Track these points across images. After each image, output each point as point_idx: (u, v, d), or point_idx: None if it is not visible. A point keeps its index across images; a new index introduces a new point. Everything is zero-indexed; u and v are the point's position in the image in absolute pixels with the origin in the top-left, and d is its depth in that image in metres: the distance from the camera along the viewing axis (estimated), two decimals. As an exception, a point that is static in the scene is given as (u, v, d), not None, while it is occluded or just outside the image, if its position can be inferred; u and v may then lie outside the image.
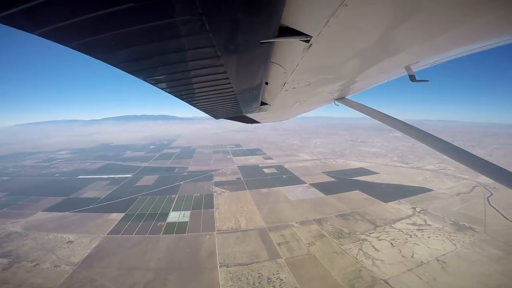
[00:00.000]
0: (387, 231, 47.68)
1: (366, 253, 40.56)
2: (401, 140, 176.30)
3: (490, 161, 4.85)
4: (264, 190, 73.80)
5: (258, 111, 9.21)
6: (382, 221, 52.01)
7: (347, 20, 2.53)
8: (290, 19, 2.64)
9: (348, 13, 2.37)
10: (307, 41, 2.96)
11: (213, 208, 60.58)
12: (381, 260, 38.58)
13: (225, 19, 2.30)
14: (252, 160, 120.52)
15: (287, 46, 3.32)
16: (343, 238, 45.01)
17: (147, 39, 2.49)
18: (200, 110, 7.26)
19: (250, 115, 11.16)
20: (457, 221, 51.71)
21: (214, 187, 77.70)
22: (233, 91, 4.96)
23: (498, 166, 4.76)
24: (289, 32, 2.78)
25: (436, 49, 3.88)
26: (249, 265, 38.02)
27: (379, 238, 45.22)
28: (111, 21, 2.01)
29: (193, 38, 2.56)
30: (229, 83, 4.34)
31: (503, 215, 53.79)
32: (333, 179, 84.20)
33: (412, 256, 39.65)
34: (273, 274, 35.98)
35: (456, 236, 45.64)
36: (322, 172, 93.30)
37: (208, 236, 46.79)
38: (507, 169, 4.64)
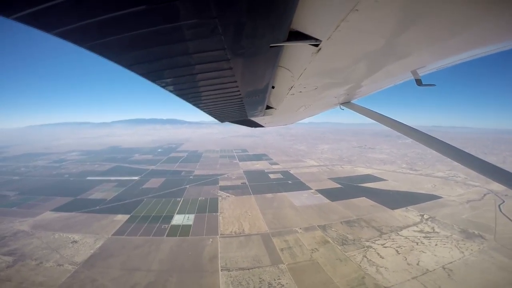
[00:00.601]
0: (393, 239, 46.54)
1: (371, 260, 39.63)
2: (410, 146, 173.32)
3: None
4: (269, 195, 73.38)
5: (263, 115, 9.21)
6: (388, 228, 50.84)
7: (357, 25, 2.54)
8: (300, 23, 2.65)
9: (358, 18, 2.39)
10: (316, 45, 2.97)
11: (217, 212, 60.53)
12: (386, 268, 37.62)
13: (238, 22, 2.35)
14: (258, 165, 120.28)
15: (296, 50, 3.31)
16: (347, 245, 44.12)
17: (159, 41, 2.54)
18: (207, 113, 7.30)
19: (255, 119, 11.18)
20: (466, 228, 50.21)
21: (219, 191, 77.76)
22: (240, 94, 4.98)
23: (511, 172, 4.63)
24: (298, 36, 2.79)
25: (444, 53, 3.91)
26: (251, 270, 37.67)
27: (385, 245, 44.15)
28: (125, 23, 2.06)
29: (204, 41, 2.60)
30: (237, 86, 4.36)
31: None
32: (339, 186, 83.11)
33: (417, 264, 38.58)
34: (274, 280, 35.52)
35: (464, 244, 44.27)
36: (329, 178, 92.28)
37: (211, 240, 46.68)
38: None
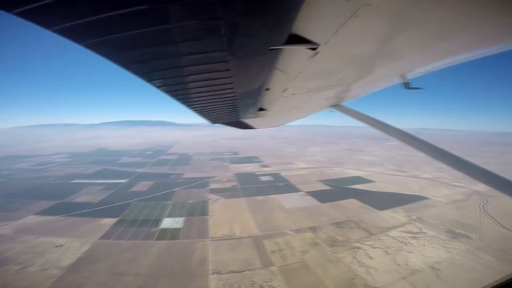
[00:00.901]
0: (381, 239, 47.25)
1: (360, 261, 40.08)
2: (398, 149, 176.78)
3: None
4: (260, 197, 73.32)
5: (255, 117, 9.25)
6: (376, 229, 51.61)
7: (355, 30, 2.65)
8: (300, 27, 2.70)
9: (357, 24, 2.49)
10: (314, 49, 3.03)
11: (207, 215, 59.99)
12: (375, 268, 38.11)
13: (241, 25, 2.39)
14: (249, 167, 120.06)
15: (293, 53, 3.36)
16: (337, 246, 44.53)
17: (160, 41, 2.54)
18: (200, 114, 7.25)
19: (246, 121, 11.22)
20: (453, 228, 51.49)
21: (209, 194, 77.11)
22: (234, 95, 5.00)
23: (494, 173, 4.88)
24: (297, 39, 2.84)
25: (432, 58, 4.14)
26: (242, 273, 37.45)
27: (374, 246, 44.76)
28: (129, 22, 2.06)
29: (205, 42, 2.62)
30: (232, 87, 4.38)
31: (498, 222, 53.78)
32: (329, 187, 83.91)
33: (406, 264, 39.26)
34: (266, 282, 35.46)
35: (451, 244, 45.35)
36: (318, 181, 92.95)
37: (201, 243, 46.19)
38: (504, 177, 4.80)
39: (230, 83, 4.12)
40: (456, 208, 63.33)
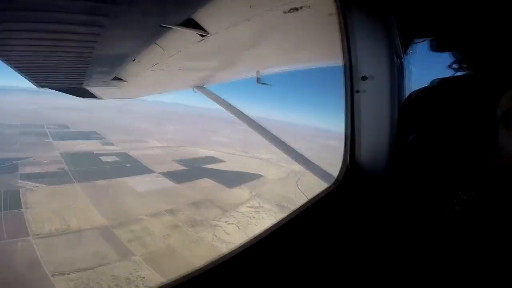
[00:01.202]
0: (233, 215, 52.99)
1: (220, 237, 43.58)
2: (246, 132, 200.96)
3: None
4: (102, 182, 61.93)
5: (106, 86, 8.14)
6: (228, 206, 57.31)
7: (240, 30, 3.03)
8: (199, 13, 2.78)
9: (244, 26, 2.86)
10: (202, 36, 3.19)
11: (22, 208, 44.74)
12: (233, 243, 42.53)
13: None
14: (84, 145, 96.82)
15: (180, 34, 3.36)
16: (197, 226, 46.02)
17: None
18: (22, 73, 5.30)
19: (91, 89, 9.23)
20: (280, 202, 63.81)
21: (20, 181, 56.10)
22: (89, 59, 4.23)
23: (304, 156, 6.73)
24: (191, 24, 2.93)
25: (281, 63, 5.68)
26: (96, 269, 31.45)
27: (228, 222, 49.61)
28: None
29: None
30: (90, 51, 3.72)
31: (305, 195, 70.26)
32: (184, 168, 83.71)
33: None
34: (131, 274, 31.90)
35: (279, 215, 57.18)
36: (173, 160, 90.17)
37: (19, 243, 34.47)
38: (311, 160, 6.63)
39: (91, 47, 3.57)
40: (281, 184, 79.27)
